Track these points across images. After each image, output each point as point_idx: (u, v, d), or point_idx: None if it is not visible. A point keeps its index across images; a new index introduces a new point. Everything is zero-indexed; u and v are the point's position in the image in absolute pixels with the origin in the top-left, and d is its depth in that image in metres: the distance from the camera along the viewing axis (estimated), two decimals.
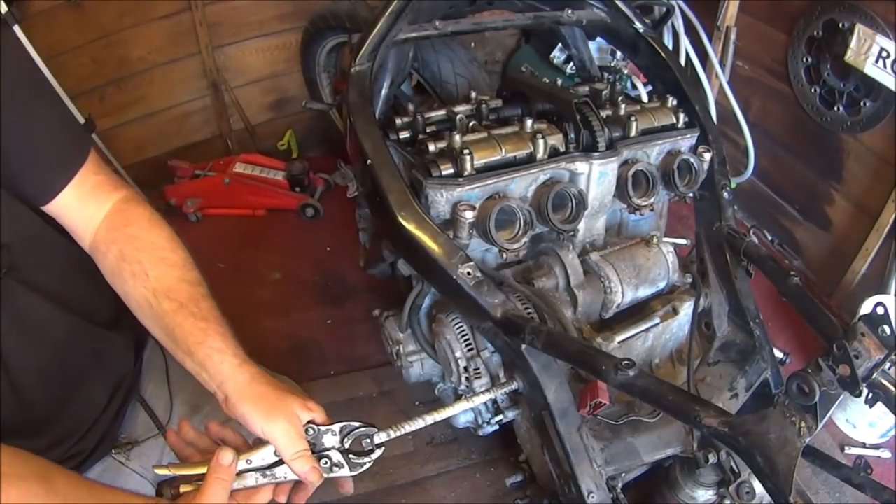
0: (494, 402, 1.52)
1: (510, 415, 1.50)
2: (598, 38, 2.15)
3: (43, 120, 0.88)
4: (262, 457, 0.85)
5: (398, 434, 0.95)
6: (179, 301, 0.90)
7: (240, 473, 0.83)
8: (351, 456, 0.90)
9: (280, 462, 0.85)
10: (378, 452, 0.92)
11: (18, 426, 0.88)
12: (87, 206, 0.93)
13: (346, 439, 0.91)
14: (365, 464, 0.91)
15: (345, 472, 0.89)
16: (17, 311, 0.87)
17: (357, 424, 0.91)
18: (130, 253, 0.92)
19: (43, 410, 0.94)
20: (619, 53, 2.64)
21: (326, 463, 0.88)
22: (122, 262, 0.91)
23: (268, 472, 0.85)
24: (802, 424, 0.89)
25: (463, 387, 1.48)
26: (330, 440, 0.89)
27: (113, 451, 1.10)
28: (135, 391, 1.15)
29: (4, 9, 2.02)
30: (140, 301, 0.91)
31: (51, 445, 0.95)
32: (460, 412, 1.37)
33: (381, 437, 0.93)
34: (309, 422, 0.87)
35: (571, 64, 2.43)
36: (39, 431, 0.94)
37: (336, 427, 0.90)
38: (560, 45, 2.56)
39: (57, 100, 0.94)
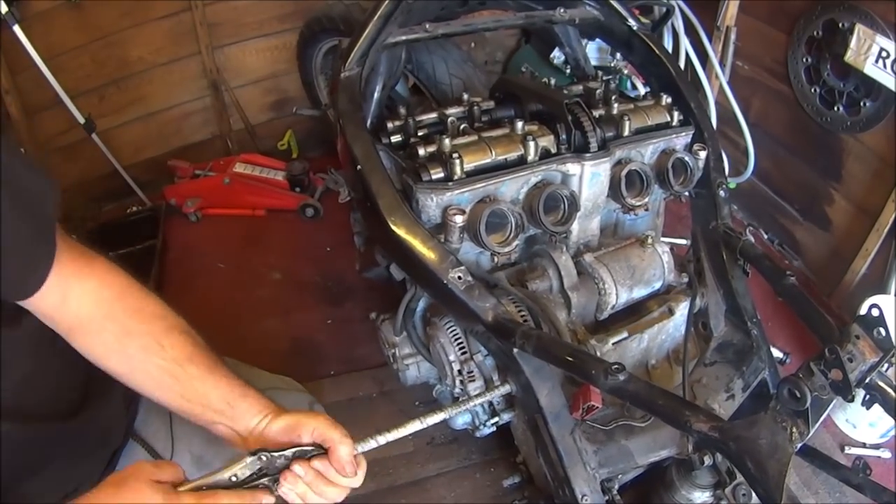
0: (490, 403, 1.51)
1: (506, 417, 1.50)
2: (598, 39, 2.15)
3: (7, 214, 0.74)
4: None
5: (363, 450, 0.89)
6: (205, 364, 0.88)
7: None
8: None
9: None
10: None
11: None
12: (68, 289, 0.84)
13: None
14: None
15: None
16: (17, 444, 0.84)
17: (310, 448, 0.85)
18: (135, 326, 0.87)
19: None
20: (619, 54, 2.63)
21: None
22: (128, 338, 0.86)
23: None
24: (794, 430, 0.88)
25: (458, 390, 1.48)
26: (284, 465, 0.84)
27: None
28: (129, 436, 1.11)
29: (4, 9, 2.03)
30: (155, 372, 0.86)
31: None
32: (457, 414, 1.37)
33: None
34: (259, 449, 0.82)
35: None
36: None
37: (289, 452, 0.84)
38: None
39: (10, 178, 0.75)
